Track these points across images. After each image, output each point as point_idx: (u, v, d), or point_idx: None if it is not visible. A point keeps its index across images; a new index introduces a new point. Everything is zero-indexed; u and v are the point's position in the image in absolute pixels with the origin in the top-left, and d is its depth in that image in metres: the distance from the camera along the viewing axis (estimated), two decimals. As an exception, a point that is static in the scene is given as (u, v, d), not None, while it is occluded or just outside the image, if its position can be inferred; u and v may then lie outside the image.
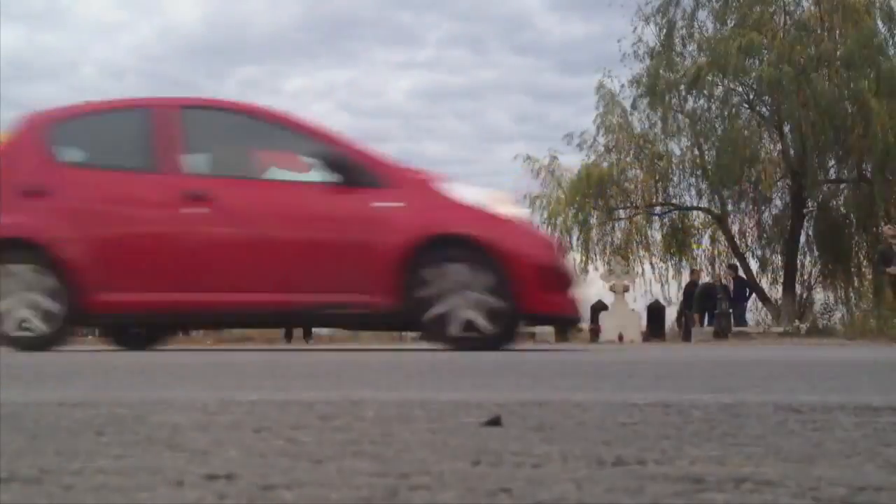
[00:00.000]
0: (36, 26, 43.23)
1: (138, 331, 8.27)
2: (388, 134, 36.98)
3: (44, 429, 1.81)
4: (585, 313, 19.85)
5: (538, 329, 17.93)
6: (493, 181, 41.84)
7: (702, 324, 18.69)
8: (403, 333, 17.51)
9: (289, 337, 14.21)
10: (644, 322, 18.98)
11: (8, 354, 6.35)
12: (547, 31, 43.83)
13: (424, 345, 8.05)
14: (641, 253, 23.09)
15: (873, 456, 1.41)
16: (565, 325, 11.16)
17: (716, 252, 23.43)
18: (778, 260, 22.79)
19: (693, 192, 22.85)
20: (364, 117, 51.05)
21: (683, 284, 21.43)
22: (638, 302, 20.49)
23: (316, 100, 52.99)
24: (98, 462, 1.37)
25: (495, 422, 1.84)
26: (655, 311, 19.90)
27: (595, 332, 18.31)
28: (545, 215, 22.46)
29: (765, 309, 21.55)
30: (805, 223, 22.23)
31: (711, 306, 18.80)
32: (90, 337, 19.29)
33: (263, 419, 1.96)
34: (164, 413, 2.08)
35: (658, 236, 23.26)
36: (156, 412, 2.10)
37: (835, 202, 22.59)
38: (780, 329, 17.95)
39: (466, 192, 6.94)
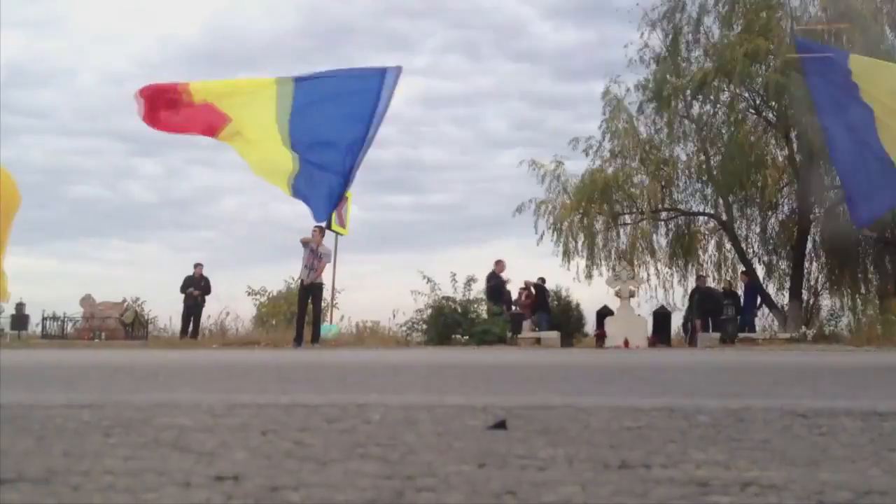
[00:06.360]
0: (35, 34, 43.29)
1: None
2: (387, 139, 37.20)
3: (51, 430, 1.82)
4: (591, 319, 19.85)
5: (544, 334, 17.92)
6: (493, 187, 41.73)
7: (706, 329, 18.62)
8: (409, 337, 17.52)
9: (298, 340, 14.18)
10: (650, 327, 18.91)
11: (16, 355, 6.37)
12: (541, 38, 43.88)
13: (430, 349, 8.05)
14: (647, 258, 23.01)
15: (878, 460, 1.41)
16: None
17: (721, 258, 23.37)
18: (784, 266, 22.72)
19: (699, 197, 22.75)
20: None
21: (689, 290, 21.35)
22: (643, 307, 20.42)
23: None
24: (106, 463, 1.37)
25: (501, 425, 1.85)
26: (661, 317, 19.81)
27: (600, 338, 18.26)
28: (551, 221, 22.42)
29: (771, 315, 21.45)
30: (811, 229, 22.13)
31: (714, 310, 18.73)
32: (97, 340, 19.35)
33: (270, 421, 1.97)
34: (171, 415, 2.08)
35: (663, 242, 23.21)
36: (163, 414, 2.10)
37: (841, 208, 22.42)
38: (787, 335, 17.87)
39: None
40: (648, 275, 22.97)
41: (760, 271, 22.78)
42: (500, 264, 18.51)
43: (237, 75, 48.92)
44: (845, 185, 13.08)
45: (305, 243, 14.18)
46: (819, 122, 13.65)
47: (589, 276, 22.36)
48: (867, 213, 11.94)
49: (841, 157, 11.59)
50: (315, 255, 14.24)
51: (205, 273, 18.76)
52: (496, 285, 18.09)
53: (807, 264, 22.55)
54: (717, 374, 4.46)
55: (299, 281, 14.90)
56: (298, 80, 10.20)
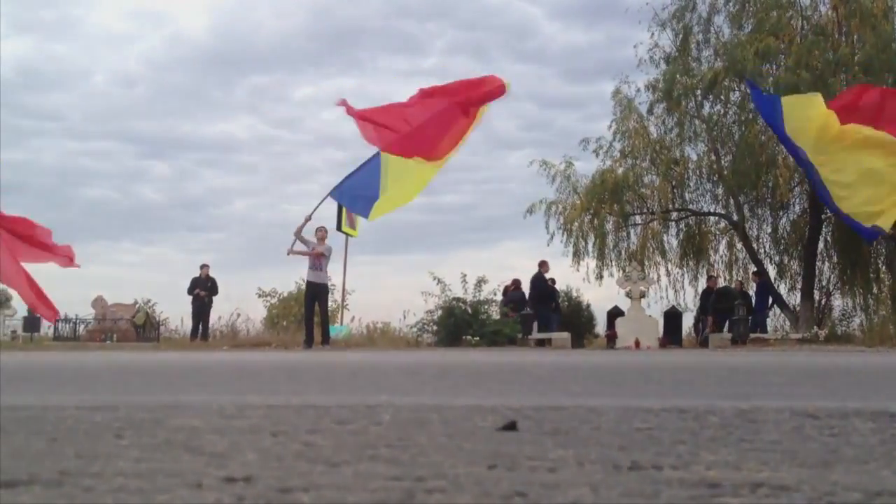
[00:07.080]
0: (47, 36, 43.57)
1: None
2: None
3: (64, 432, 1.83)
4: (602, 319, 19.80)
5: (554, 335, 17.89)
6: (503, 188, 41.73)
7: (719, 329, 18.54)
8: (419, 338, 17.52)
9: (308, 342, 14.23)
10: (661, 328, 18.83)
11: (28, 357, 6.40)
12: (550, 39, 43.82)
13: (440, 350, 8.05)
14: (658, 259, 22.91)
15: (890, 461, 1.41)
16: None
17: (733, 258, 23.26)
18: (796, 266, 22.59)
19: (710, 197, 22.65)
20: (371, 124, 50.50)
21: (700, 290, 21.28)
22: (653, 308, 20.34)
23: (323, 108, 52.92)
24: (117, 464, 1.38)
25: (511, 426, 1.85)
26: (672, 318, 19.74)
27: (611, 339, 18.21)
28: (561, 221, 22.37)
29: (783, 315, 21.33)
30: (823, 229, 21.99)
31: (728, 310, 18.63)
32: (109, 342, 19.44)
33: (280, 423, 1.97)
34: (183, 416, 2.09)
35: (674, 242, 23.12)
36: (174, 416, 2.11)
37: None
38: (799, 335, 17.77)
39: None
40: (659, 275, 22.89)
41: (772, 271, 22.66)
42: (544, 265, 18.56)
43: (245, 77, 48.89)
44: (834, 211, 13.26)
45: (301, 236, 14.14)
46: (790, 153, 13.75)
47: (599, 276, 22.29)
48: (867, 230, 12.10)
49: (821, 189, 11.89)
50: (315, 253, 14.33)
51: (215, 274, 18.83)
52: (545, 289, 18.28)
53: (819, 264, 22.42)
54: (728, 375, 4.45)
55: (306, 282, 14.95)
56: None
